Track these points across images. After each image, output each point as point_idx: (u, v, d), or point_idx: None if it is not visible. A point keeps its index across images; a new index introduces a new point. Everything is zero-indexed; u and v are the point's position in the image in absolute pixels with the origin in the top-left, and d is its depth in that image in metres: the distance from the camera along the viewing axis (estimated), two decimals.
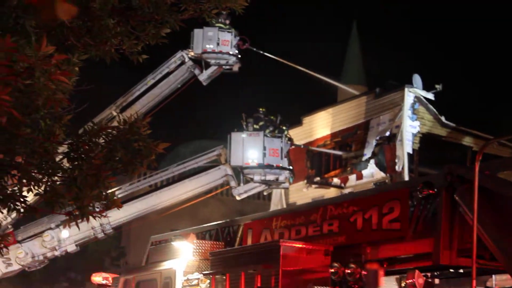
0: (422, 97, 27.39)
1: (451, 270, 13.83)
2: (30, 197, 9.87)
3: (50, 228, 22.94)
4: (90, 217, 9.72)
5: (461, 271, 13.73)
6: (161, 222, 26.65)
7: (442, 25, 70.27)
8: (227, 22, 25.88)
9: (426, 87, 27.76)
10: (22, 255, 23.00)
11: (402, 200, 13.57)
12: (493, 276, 15.84)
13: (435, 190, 12.79)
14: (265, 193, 33.72)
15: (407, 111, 27.05)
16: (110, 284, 18.87)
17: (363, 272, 13.50)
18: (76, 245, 23.37)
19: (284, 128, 24.32)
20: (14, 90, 7.74)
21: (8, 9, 8.95)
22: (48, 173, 9.41)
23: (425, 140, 27.37)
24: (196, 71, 25.93)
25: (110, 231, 23.48)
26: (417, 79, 27.72)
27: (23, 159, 9.16)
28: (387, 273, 14.57)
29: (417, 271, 12.56)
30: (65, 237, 22.94)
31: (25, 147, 8.95)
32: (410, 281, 12.55)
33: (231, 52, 25.88)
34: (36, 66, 7.56)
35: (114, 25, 10.19)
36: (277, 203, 31.02)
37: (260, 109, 24.37)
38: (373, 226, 13.98)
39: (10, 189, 9.56)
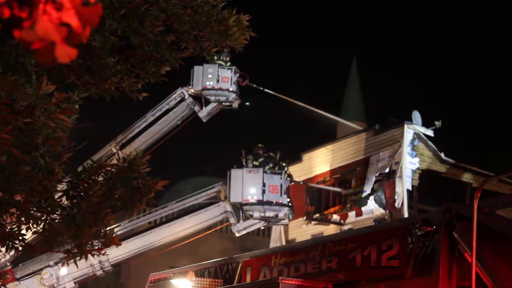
0: (421, 134, 27.43)
1: None
2: (29, 235, 9.87)
3: (49, 266, 22.85)
4: (89, 255, 9.71)
5: None
6: (160, 259, 26.57)
7: (442, 62, 70.56)
8: (227, 59, 26.00)
9: (425, 124, 27.80)
10: None
11: (400, 237, 13.55)
12: None
13: (434, 227, 12.78)
14: (262, 228, 33.76)
15: (406, 148, 27.07)
16: None
17: None
18: (74, 283, 23.25)
19: (284, 164, 24.36)
20: (14, 129, 7.77)
21: (9, 48, 9.03)
22: (47, 211, 9.41)
23: (425, 176, 27.36)
24: (196, 108, 26.00)
25: (109, 268, 23.38)
26: (416, 115, 27.78)
27: (22, 197, 9.16)
28: None
29: None
30: (64, 274, 22.84)
31: (24, 185, 8.95)
32: None
33: (231, 89, 25.96)
34: (36, 105, 7.60)
35: (114, 63, 10.24)
36: (276, 239, 30.93)
37: (259, 145, 24.42)
38: (372, 263, 13.94)
39: (8, 227, 9.56)
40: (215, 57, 25.42)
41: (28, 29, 3.02)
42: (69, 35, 3.14)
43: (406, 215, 25.78)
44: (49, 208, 9.42)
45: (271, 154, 24.30)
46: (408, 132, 27.18)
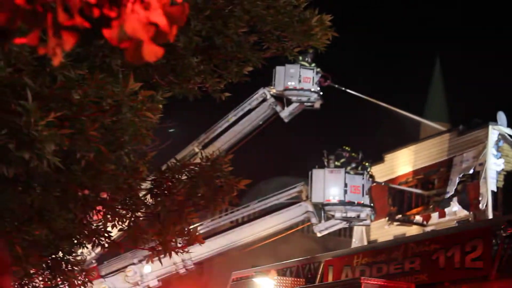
0: (506, 135, 27.00)
1: None
2: (114, 233, 10.06)
3: (133, 263, 23.20)
4: (173, 253, 9.84)
5: None
6: (242, 259, 26.71)
7: None
8: (310, 59, 26.03)
9: (511, 125, 27.36)
10: None
11: (485, 238, 13.37)
12: None
13: None
14: (348, 231, 33.63)
15: (491, 149, 26.68)
16: None
17: None
18: (158, 280, 23.58)
19: (366, 164, 24.25)
20: (100, 127, 7.93)
21: (95, 49, 9.22)
22: (132, 209, 9.57)
23: (510, 178, 26.92)
24: (278, 108, 26.12)
25: (192, 266, 23.62)
26: (501, 116, 27.37)
27: (108, 195, 9.33)
28: None
29: None
30: (148, 272, 23.17)
31: (110, 183, 9.11)
32: None
33: (312, 89, 26.01)
34: (123, 102, 7.74)
35: (197, 63, 10.35)
36: (358, 240, 30.80)
37: (344, 147, 24.36)
38: (455, 264, 13.79)
39: (94, 225, 9.76)
40: (300, 57, 25.48)
41: (117, 29, 3.10)
42: (156, 34, 3.21)
43: (490, 216, 25.40)
44: (134, 206, 9.58)
45: (353, 154, 24.23)
46: (493, 133, 26.79)
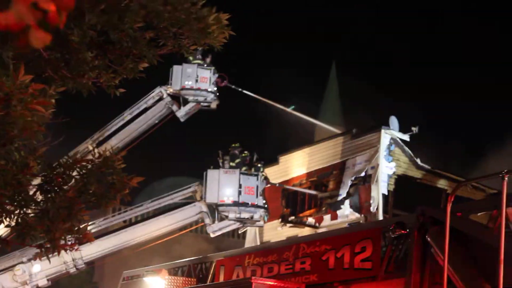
0: (398, 139, 27.53)
1: None
2: (1, 229, 9.83)
3: (22, 262, 22.71)
4: (63, 252, 9.67)
5: None
6: (134, 258, 26.51)
7: (420, 67, 70.91)
8: (208, 60, 26.04)
9: (402, 129, 27.91)
10: None
11: (374, 239, 13.60)
12: None
13: (407, 230, 12.83)
14: (240, 231, 33.75)
15: (383, 153, 27.15)
16: None
17: None
18: (47, 280, 23.14)
19: (259, 165, 24.37)
20: None
21: None
22: (20, 205, 9.37)
23: (400, 181, 27.46)
24: (174, 107, 26.02)
25: (83, 266, 23.27)
26: (393, 121, 27.88)
27: None
28: None
29: None
30: (37, 271, 22.71)
31: None
32: None
33: (209, 89, 26.00)
34: (13, 95, 7.57)
35: (92, 58, 10.21)
36: (251, 241, 30.92)
37: (233, 145, 24.43)
38: (345, 265, 13.98)
39: None
40: (197, 57, 25.49)
41: (3, 12, 3.01)
42: (44, 19, 3.13)
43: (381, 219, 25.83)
44: (22, 202, 9.38)
45: (245, 153, 24.31)
46: (385, 137, 27.25)
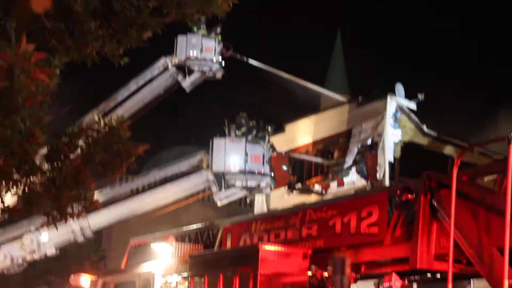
0: (404, 106, 27.51)
1: (428, 275, 13.87)
2: (9, 198, 9.89)
3: (30, 231, 22.84)
4: (70, 220, 9.75)
5: (438, 275, 13.78)
6: (142, 227, 26.63)
7: (427, 35, 70.60)
8: (218, 30, 26.03)
9: (408, 96, 27.86)
10: (1, 258, 22.87)
11: (380, 204, 13.61)
12: (472, 282, 15.91)
13: (414, 195, 12.84)
14: (247, 200, 33.85)
15: (389, 120, 27.14)
16: (88, 286, 18.81)
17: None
18: (55, 249, 23.27)
19: (269, 130, 24.34)
20: None
21: None
22: (27, 174, 9.42)
23: (407, 149, 27.46)
24: (179, 78, 26.04)
25: (90, 235, 23.41)
26: (399, 88, 27.83)
27: (2, 160, 9.16)
28: (365, 277, 14.61)
29: (394, 274, 12.59)
30: (45, 240, 22.84)
31: (4, 148, 8.95)
32: (387, 284, 12.58)
33: (214, 59, 25.99)
34: (15, 64, 7.57)
35: (96, 28, 10.22)
36: (258, 209, 31.03)
37: (241, 114, 24.45)
38: (351, 230, 14.02)
39: None
40: (196, 28, 25.49)
41: None
42: None
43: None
44: (29, 171, 9.43)
45: (252, 122, 24.33)
46: (391, 104, 27.23)
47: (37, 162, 9.50)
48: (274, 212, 19.63)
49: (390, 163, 26.90)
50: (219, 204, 24.16)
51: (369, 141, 27.38)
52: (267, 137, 24.12)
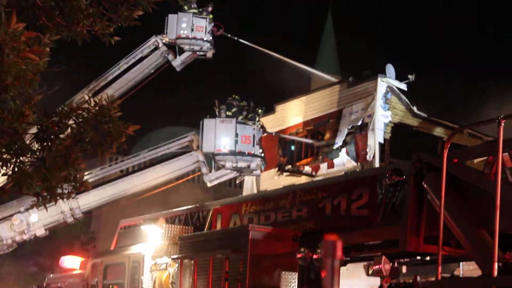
0: (394, 87, 27.51)
1: (418, 257, 13.88)
2: None
3: (19, 212, 22.80)
4: (60, 201, 9.69)
5: (428, 258, 13.79)
6: (131, 208, 26.59)
7: (419, 16, 70.55)
8: (210, 9, 25.95)
9: (399, 77, 27.87)
10: None
11: (370, 186, 13.57)
12: (461, 265, 15.93)
13: (404, 177, 12.81)
14: (237, 181, 33.85)
15: (379, 101, 27.15)
16: (78, 268, 18.81)
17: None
18: (45, 229, 23.25)
19: (259, 112, 24.31)
20: None
21: None
22: (17, 153, 9.36)
23: (397, 130, 27.51)
24: (170, 57, 25.99)
25: (80, 215, 23.39)
26: (390, 69, 27.85)
27: None
28: (355, 260, 14.60)
29: (383, 257, 12.55)
30: (34, 221, 22.82)
31: None
32: (376, 267, 12.56)
33: (205, 38, 25.95)
34: (5, 43, 7.51)
35: (86, 6, 10.14)
36: (248, 190, 31.05)
37: (233, 96, 24.40)
38: (341, 212, 13.98)
39: None
40: (186, 7, 25.41)
41: None
42: None
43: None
44: (19, 151, 9.37)
45: (243, 103, 24.29)
46: (382, 85, 27.24)
47: (27, 141, 9.45)
48: (263, 194, 19.60)
49: (380, 144, 26.92)
50: (209, 185, 24.17)
51: (359, 122, 27.39)
52: (257, 118, 24.09)
